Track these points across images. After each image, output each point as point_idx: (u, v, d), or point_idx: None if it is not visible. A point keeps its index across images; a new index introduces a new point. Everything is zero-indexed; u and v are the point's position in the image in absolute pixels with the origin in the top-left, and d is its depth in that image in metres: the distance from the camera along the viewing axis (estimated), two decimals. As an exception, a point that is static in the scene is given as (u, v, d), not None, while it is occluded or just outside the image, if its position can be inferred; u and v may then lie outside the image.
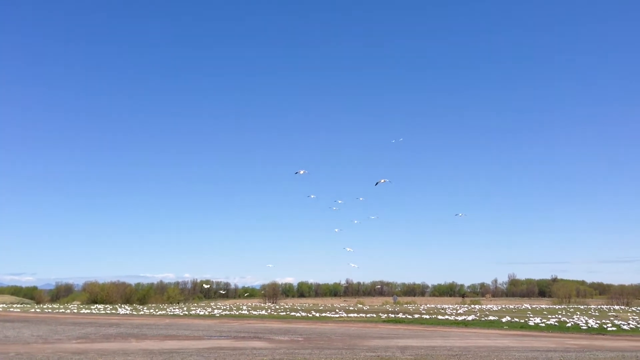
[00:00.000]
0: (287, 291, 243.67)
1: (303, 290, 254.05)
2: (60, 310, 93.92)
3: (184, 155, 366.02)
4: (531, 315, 70.11)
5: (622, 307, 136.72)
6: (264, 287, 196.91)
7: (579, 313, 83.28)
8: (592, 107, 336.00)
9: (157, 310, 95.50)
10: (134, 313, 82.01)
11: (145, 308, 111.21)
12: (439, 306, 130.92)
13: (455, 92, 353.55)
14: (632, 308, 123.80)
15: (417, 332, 40.10)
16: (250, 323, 52.36)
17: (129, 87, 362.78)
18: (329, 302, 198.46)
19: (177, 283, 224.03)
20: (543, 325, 49.92)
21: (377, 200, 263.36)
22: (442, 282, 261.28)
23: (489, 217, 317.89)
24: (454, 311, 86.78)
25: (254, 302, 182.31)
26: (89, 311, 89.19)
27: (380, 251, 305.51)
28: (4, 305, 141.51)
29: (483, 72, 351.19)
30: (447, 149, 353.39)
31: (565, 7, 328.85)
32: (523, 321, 54.94)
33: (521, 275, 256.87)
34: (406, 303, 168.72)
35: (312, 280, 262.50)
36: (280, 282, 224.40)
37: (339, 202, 59.94)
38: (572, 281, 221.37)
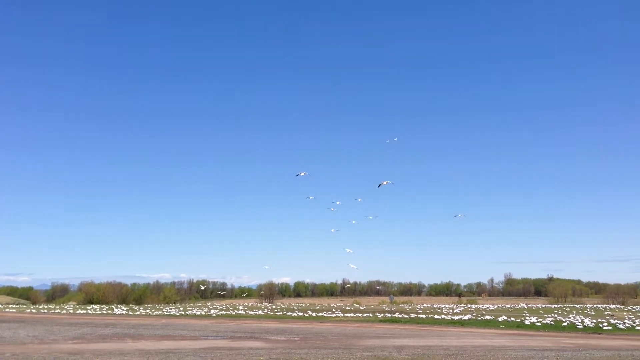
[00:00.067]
0: (284, 291, 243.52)
1: (300, 290, 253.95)
2: (56, 311, 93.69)
3: (181, 156, 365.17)
4: (527, 315, 70.27)
5: (618, 306, 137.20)
6: (260, 287, 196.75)
7: (575, 312, 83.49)
8: (590, 107, 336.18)
9: (153, 310, 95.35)
10: (130, 313, 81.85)
11: (141, 308, 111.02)
12: (435, 306, 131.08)
13: (455, 92, 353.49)
14: (628, 307, 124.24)
15: (414, 332, 40.14)
16: (247, 323, 52.34)
17: (129, 87, 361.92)
18: (326, 301, 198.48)
19: (174, 283, 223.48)
20: (539, 324, 50.02)
21: (375, 200, 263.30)
22: (439, 282, 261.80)
23: (486, 216, 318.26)
24: (451, 311, 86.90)
25: (251, 302, 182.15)
26: (85, 311, 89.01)
27: (376, 251, 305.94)
28: (0, 305, 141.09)
29: (483, 72, 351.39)
30: (444, 149, 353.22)
31: (565, 7, 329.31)
32: (519, 320, 55.07)
33: (517, 275, 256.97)
34: (403, 303, 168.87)
35: (308, 280, 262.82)
36: (276, 282, 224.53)
37: (337, 203, 59.82)
38: (568, 280, 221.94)
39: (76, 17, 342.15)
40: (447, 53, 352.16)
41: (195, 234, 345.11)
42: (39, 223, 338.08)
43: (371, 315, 70.93)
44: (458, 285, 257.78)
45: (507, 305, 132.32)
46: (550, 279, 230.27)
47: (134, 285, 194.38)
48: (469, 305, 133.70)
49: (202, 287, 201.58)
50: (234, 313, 77.87)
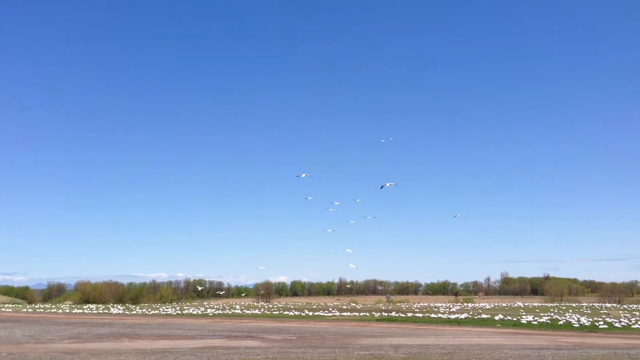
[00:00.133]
0: (281, 290, 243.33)
1: (296, 289, 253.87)
2: (52, 310, 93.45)
3: (178, 155, 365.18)
4: (524, 313, 70.40)
5: (614, 304, 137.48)
6: (257, 286, 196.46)
7: (571, 311, 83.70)
8: (588, 106, 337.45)
9: (149, 309, 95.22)
10: (127, 313, 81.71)
11: (137, 308, 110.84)
12: (432, 305, 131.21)
13: (454, 92, 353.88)
14: (624, 306, 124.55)
15: (410, 331, 40.19)
16: (244, 322, 52.32)
17: (129, 87, 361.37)
18: (322, 301, 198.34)
19: (170, 282, 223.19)
20: (535, 323, 50.15)
21: (373, 200, 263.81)
22: (435, 281, 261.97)
23: (482, 216, 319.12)
24: (447, 310, 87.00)
25: (247, 301, 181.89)
26: (81, 311, 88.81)
27: (373, 250, 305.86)
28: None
29: (483, 72, 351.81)
30: (441, 149, 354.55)
31: (565, 7, 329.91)
32: (515, 319, 55.18)
33: (514, 274, 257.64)
34: (399, 302, 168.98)
35: (305, 279, 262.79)
36: (273, 281, 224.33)
37: (336, 203, 59.84)
38: (564, 279, 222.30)
39: (76, 17, 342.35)
40: (447, 53, 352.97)
41: (192, 233, 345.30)
42: (35, 222, 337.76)
43: (368, 314, 70.97)
44: (455, 284, 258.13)
45: (503, 304, 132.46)
46: (547, 278, 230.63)
47: (130, 284, 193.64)
48: (465, 304, 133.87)
49: (200, 288, 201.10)
50: (230, 312, 77.81)
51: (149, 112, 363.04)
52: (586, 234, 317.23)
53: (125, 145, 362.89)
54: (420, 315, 66.39)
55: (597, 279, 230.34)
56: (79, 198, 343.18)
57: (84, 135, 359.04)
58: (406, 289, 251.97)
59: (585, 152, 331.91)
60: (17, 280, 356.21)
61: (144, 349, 24.77)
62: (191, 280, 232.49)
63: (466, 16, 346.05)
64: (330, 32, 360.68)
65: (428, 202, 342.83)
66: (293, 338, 31.92)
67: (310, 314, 72.46)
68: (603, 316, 64.04)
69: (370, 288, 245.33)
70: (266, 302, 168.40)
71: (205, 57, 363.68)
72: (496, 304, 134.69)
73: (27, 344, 27.45)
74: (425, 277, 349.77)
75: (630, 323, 48.98)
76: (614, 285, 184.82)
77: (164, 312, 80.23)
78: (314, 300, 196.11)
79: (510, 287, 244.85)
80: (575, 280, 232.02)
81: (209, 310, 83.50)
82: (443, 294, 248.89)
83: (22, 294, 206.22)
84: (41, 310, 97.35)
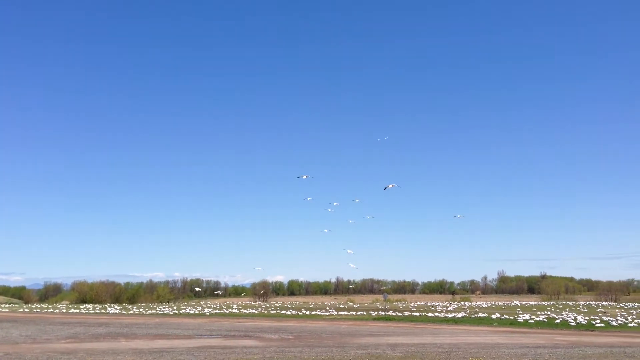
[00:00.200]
0: (278, 289, 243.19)
1: (293, 289, 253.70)
2: (49, 310, 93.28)
3: (175, 155, 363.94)
4: (520, 312, 70.57)
5: (611, 303, 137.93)
6: (254, 285, 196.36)
7: (567, 309, 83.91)
8: (585, 106, 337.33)
9: (146, 309, 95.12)
10: (124, 312, 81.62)
11: (134, 307, 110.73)
12: (429, 303, 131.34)
13: (454, 92, 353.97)
14: (620, 304, 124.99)
15: (407, 330, 40.22)
16: (241, 322, 52.30)
17: (128, 86, 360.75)
18: (320, 300, 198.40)
19: (167, 282, 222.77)
20: (532, 321, 50.24)
21: (371, 200, 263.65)
22: (432, 280, 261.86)
23: (479, 215, 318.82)
24: (444, 308, 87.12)
25: (244, 300, 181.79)
26: (77, 311, 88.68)
27: (370, 249, 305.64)
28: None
29: (483, 72, 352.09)
30: (438, 149, 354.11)
31: (565, 7, 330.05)
32: (512, 318, 55.28)
33: (510, 272, 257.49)
34: (396, 301, 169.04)
35: (302, 278, 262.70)
36: (270, 281, 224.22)
37: (335, 204, 59.74)
38: (561, 278, 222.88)
39: (76, 17, 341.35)
40: (447, 53, 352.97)
41: (188, 232, 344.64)
42: (32, 222, 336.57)
43: (365, 313, 71.02)
44: (452, 283, 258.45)
45: (500, 303, 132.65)
46: (543, 277, 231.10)
47: (127, 284, 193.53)
48: (462, 303, 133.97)
49: (197, 289, 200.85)
50: (227, 312, 77.78)
51: (148, 112, 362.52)
52: (583, 233, 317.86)
53: (123, 145, 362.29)
54: (418, 314, 66.46)
55: (594, 277, 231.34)
56: (76, 198, 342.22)
57: (82, 136, 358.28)
58: (403, 288, 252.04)
59: (582, 151, 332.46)
60: (14, 280, 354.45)
61: (141, 349, 24.73)
62: (188, 279, 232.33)
63: (466, 16, 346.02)
64: (330, 32, 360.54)
65: (425, 201, 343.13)
66: (290, 337, 31.91)
67: (308, 313, 72.47)
68: (600, 314, 64.19)
69: (367, 287, 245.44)
70: (263, 301, 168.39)
71: (205, 57, 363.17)
72: (493, 303, 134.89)
73: (24, 344, 27.38)
74: (423, 276, 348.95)
75: (626, 321, 49.13)
76: (610, 283, 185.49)
77: (161, 312, 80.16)
78: (311, 300, 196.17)
79: (507, 286, 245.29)
80: (571, 279, 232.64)
81: (206, 310, 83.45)
82: (440, 293, 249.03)
83: (18, 294, 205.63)
84: (38, 310, 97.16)
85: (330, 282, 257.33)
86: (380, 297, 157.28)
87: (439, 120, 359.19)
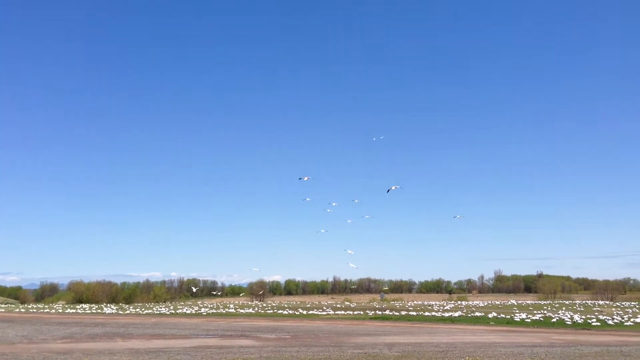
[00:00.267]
0: (275, 289, 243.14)
1: (290, 288, 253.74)
2: (45, 310, 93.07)
3: (172, 155, 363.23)
4: (517, 311, 70.70)
5: (607, 302, 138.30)
6: (251, 285, 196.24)
7: (564, 308, 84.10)
8: (583, 105, 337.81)
9: (143, 309, 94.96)
10: (120, 312, 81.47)
11: (131, 307, 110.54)
12: (425, 303, 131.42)
13: (454, 91, 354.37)
14: (617, 303, 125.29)
15: (404, 329, 40.26)
16: (238, 321, 52.27)
17: (129, 86, 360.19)
18: (317, 299, 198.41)
19: (164, 282, 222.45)
20: (529, 320, 50.35)
21: (369, 199, 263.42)
22: (429, 279, 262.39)
23: (476, 214, 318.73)
24: (441, 308, 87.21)
25: (241, 300, 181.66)
26: (74, 311, 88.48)
27: (367, 249, 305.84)
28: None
29: (483, 72, 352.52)
30: (434, 148, 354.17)
31: (566, 6, 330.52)
32: (509, 317, 55.38)
33: (507, 272, 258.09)
34: (393, 300, 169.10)
35: (299, 278, 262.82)
36: (267, 280, 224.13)
37: (333, 204, 59.60)
38: (558, 277, 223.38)
39: (76, 17, 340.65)
40: (447, 52, 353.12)
41: (185, 232, 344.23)
42: (29, 222, 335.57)
43: (362, 312, 71.06)
44: (448, 282, 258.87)
45: (497, 302, 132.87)
46: (540, 276, 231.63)
47: (123, 284, 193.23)
48: (459, 302, 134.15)
49: (194, 289, 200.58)
50: (224, 311, 77.71)
51: (149, 112, 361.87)
52: (579, 232, 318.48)
53: (121, 146, 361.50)
54: (414, 313, 66.53)
55: (590, 276, 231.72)
56: (73, 198, 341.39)
57: (81, 136, 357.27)
58: (400, 287, 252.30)
59: (579, 151, 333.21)
60: (10, 280, 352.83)
61: (137, 349, 24.69)
62: (185, 279, 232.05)
63: (466, 15, 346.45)
64: (330, 31, 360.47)
65: (422, 200, 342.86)
66: (287, 337, 31.91)
67: (305, 312, 72.47)
68: (596, 313, 64.37)
69: (364, 286, 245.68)
70: (260, 301, 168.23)
71: (205, 56, 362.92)
72: (490, 302, 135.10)
73: (20, 344, 27.31)
74: (419, 276, 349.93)
75: (622, 320, 49.26)
76: (606, 282, 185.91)
77: (158, 312, 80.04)
78: (308, 299, 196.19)
79: (503, 285, 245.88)
80: (568, 278, 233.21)
81: (202, 310, 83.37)
82: (437, 292, 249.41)
83: (15, 294, 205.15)
84: (34, 310, 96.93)
85: (327, 281, 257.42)
86: (377, 296, 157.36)
87: (437, 120, 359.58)
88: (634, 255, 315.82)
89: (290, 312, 74.12)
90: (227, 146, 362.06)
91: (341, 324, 47.87)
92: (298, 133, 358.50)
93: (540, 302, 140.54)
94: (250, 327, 41.68)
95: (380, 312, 69.26)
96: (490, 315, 58.23)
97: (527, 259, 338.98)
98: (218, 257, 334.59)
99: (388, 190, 44.11)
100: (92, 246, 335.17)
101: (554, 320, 50.60)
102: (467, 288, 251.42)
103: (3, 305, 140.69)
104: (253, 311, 78.57)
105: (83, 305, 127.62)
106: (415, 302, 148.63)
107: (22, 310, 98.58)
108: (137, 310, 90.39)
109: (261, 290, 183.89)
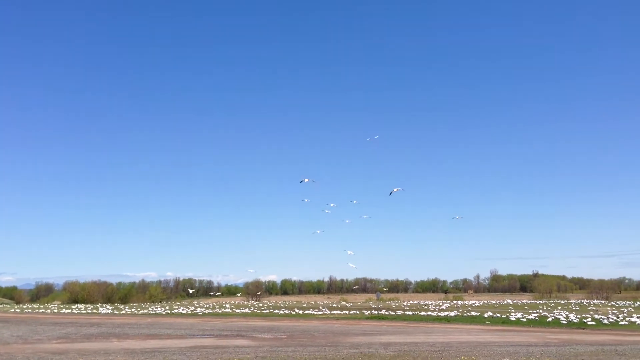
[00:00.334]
0: (271, 289, 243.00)
1: (286, 288, 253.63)
2: (41, 310, 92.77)
3: (170, 155, 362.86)
4: (513, 311, 70.81)
5: (602, 301, 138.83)
6: (247, 285, 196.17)
7: (559, 308, 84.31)
8: (580, 105, 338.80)
9: (139, 309, 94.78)
10: (116, 312, 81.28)
11: (127, 307, 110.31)
12: (422, 302, 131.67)
13: (454, 91, 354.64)
14: (612, 302, 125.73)
15: (400, 329, 40.28)
16: (234, 321, 52.19)
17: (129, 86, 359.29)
18: (313, 299, 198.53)
19: (160, 282, 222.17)
20: (524, 320, 50.44)
21: (367, 199, 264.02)
22: (425, 279, 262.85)
23: (472, 213, 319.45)
24: (437, 307, 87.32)
25: (237, 300, 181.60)
26: (69, 311, 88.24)
27: (364, 248, 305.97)
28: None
29: (483, 72, 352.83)
30: (432, 148, 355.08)
31: (565, 6, 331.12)
32: (505, 316, 55.47)
33: (503, 271, 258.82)
34: (389, 300, 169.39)
35: (295, 277, 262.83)
36: (263, 280, 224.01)
37: (332, 205, 59.58)
38: (553, 276, 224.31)
39: (76, 17, 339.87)
40: (447, 52, 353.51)
41: (181, 232, 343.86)
42: (24, 222, 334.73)
43: (358, 312, 71.07)
44: (444, 281, 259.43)
45: (492, 301, 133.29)
46: (536, 275, 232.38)
47: (119, 284, 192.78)
48: (455, 302, 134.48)
49: (191, 290, 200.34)
50: (220, 311, 77.61)
51: (148, 112, 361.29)
52: (574, 232, 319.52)
53: (120, 146, 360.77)
54: (410, 313, 66.58)
55: (586, 276, 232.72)
56: (68, 197, 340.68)
57: (79, 136, 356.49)
58: (396, 287, 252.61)
59: (576, 151, 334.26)
60: (5, 280, 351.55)
61: (133, 349, 24.64)
62: (180, 279, 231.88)
63: (466, 15, 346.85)
64: (330, 31, 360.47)
65: (418, 200, 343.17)
66: (283, 337, 31.88)
67: (301, 312, 72.44)
68: (591, 313, 64.54)
69: (360, 286, 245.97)
70: (256, 300, 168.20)
71: (205, 56, 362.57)
72: (485, 301, 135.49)
73: (15, 345, 27.21)
74: (415, 275, 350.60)
75: (618, 319, 49.38)
76: (602, 282, 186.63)
77: (153, 312, 79.89)
78: (304, 299, 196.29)
79: (499, 285, 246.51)
80: (563, 277, 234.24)
81: (198, 310, 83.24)
82: (433, 292, 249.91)
83: (9, 294, 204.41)
84: (29, 310, 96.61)
85: (323, 281, 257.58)
86: (373, 296, 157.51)
87: (436, 120, 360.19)
88: (629, 255, 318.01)
89: (287, 311, 74.07)
90: (227, 146, 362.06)
91: (337, 323, 47.86)
92: (298, 133, 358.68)
93: (535, 301, 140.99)
94: (246, 327, 41.64)
95: (376, 312, 69.28)
96: (486, 315, 58.32)
97: (523, 258, 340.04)
98: (214, 257, 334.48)
99: (390, 193, 44.18)
100: (88, 246, 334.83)
101: (550, 319, 50.70)
102: (463, 288, 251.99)
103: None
104: (249, 311, 78.50)
105: (78, 305, 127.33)
106: (411, 301, 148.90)
107: (17, 310, 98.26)
108: (133, 310, 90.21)
109: (257, 290, 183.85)
